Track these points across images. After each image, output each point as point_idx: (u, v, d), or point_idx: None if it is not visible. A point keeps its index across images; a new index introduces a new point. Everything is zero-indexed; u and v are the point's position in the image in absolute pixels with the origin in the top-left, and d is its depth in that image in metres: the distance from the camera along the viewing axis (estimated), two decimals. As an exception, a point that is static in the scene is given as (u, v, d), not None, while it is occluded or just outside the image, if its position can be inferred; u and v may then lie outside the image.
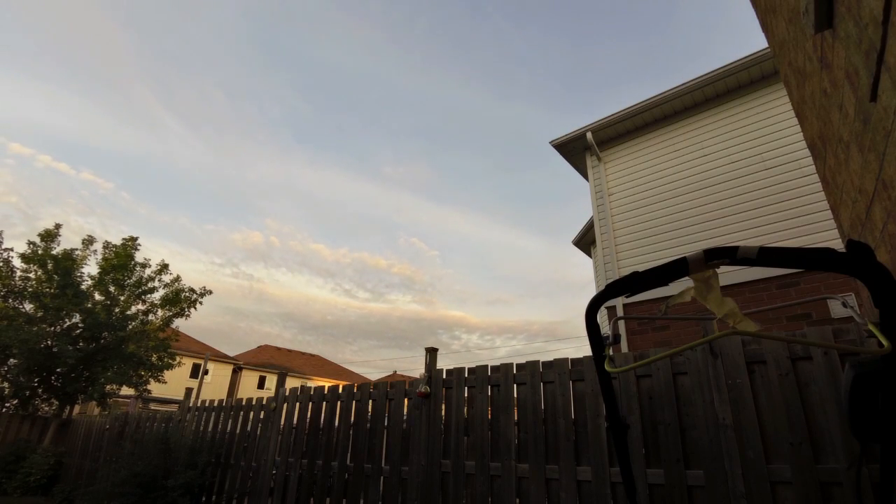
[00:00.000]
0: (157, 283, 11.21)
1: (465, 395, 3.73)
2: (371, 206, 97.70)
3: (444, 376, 3.89)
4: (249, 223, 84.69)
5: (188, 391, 27.00)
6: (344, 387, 4.70)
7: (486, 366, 3.68)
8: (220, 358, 33.31)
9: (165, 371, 11.20)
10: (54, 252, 10.08)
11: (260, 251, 77.01)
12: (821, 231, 5.58)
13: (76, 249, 10.44)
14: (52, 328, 9.65)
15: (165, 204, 78.46)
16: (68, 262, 9.96)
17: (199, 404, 6.31)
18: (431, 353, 4.15)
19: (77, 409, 10.97)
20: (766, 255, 0.79)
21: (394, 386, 4.26)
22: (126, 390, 11.29)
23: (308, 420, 4.79)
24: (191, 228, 76.49)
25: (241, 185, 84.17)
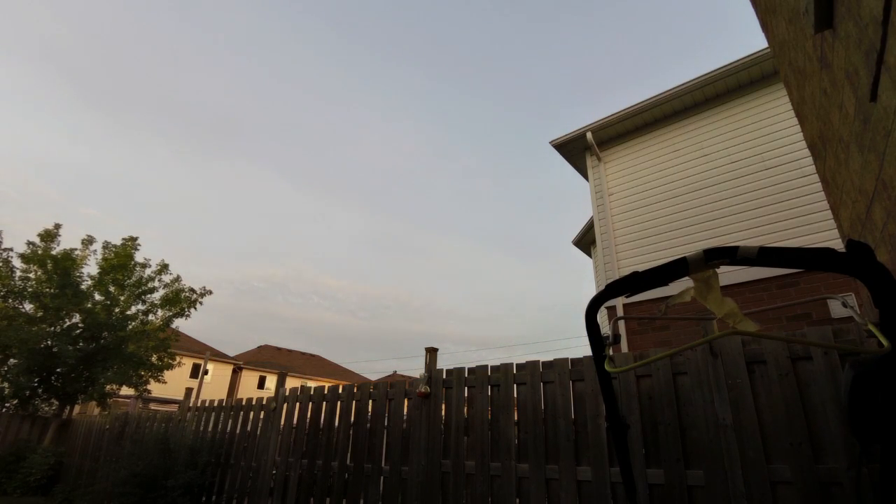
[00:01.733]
0: (157, 284, 11.19)
1: (465, 394, 3.73)
2: (367, 237, 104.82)
3: (444, 376, 3.89)
4: (273, 262, 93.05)
5: (188, 391, 26.98)
6: (344, 387, 4.70)
7: (486, 366, 3.68)
8: (220, 358, 33.29)
9: (165, 371, 11.18)
10: (54, 252, 10.07)
11: (278, 282, 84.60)
12: (821, 231, 5.58)
13: (76, 249, 10.42)
14: (52, 328, 9.63)
15: (204, 251, 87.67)
16: (68, 262, 9.95)
17: (199, 404, 6.31)
18: (431, 352, 4.14)
19: (77, 409, 10.95)
20: (766, 255, 0.79)
21: (394, 386, 4.26)
22: (126, 390, 11.28)
23: (308, 420, 4.78)
24: (224, 265, 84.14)
25: (258, 228, 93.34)
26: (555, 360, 3.30)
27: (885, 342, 0.82)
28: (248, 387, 34.75)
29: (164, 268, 11.38)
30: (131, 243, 11.04)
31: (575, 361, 3.21)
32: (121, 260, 10.56)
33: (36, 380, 9.35)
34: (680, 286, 1.13)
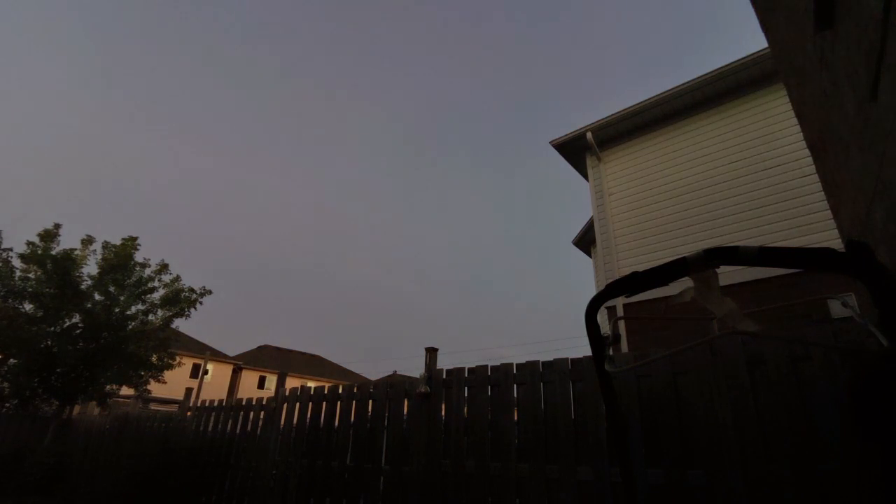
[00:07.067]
0: (156, 283, 11.19)
1: (466, 394, 3.72)
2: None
3: (444, 376, 3.89)
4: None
5: (188, 391, 26.95)
6: (344, 387, 4.70)
7: (486, 366, 3.68)
8: (220, 358, 33.30)
9: (165, 371, 11.18)
10: (54, 252, 10.06)
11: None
12: (821, 231, 5.58)
13: (75, 249, 10.41)
14: (52, 328, 9.63)
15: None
16: (67, 262, 9.94)
17: (199, 404, 6.30)
18: (431, 352, 4.14)
19: (77, 409, 10.95)
20: (766, 255, 0.78)
21: (394, 386, 4.26)
22: (126, 390, 11.29)
23: (308, 420, 4.78)
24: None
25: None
26: (555, 360, 3.30)
27: (884, 342, 0.82)
28: (248, 387, 34.74)
29: (163, 267, 11.37)
30: (131, 243, 11.04)
31: (575, 361, 3.21)
32: (120, 260, 10.56)
33: (36, 380, 9.36)
34: (680, 286, 1.13)
